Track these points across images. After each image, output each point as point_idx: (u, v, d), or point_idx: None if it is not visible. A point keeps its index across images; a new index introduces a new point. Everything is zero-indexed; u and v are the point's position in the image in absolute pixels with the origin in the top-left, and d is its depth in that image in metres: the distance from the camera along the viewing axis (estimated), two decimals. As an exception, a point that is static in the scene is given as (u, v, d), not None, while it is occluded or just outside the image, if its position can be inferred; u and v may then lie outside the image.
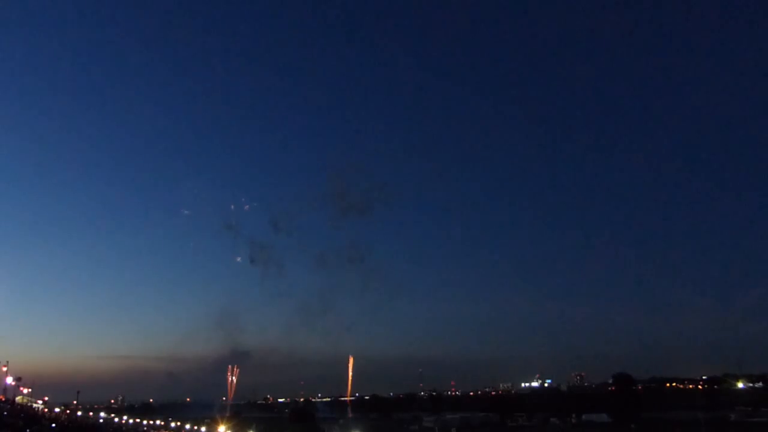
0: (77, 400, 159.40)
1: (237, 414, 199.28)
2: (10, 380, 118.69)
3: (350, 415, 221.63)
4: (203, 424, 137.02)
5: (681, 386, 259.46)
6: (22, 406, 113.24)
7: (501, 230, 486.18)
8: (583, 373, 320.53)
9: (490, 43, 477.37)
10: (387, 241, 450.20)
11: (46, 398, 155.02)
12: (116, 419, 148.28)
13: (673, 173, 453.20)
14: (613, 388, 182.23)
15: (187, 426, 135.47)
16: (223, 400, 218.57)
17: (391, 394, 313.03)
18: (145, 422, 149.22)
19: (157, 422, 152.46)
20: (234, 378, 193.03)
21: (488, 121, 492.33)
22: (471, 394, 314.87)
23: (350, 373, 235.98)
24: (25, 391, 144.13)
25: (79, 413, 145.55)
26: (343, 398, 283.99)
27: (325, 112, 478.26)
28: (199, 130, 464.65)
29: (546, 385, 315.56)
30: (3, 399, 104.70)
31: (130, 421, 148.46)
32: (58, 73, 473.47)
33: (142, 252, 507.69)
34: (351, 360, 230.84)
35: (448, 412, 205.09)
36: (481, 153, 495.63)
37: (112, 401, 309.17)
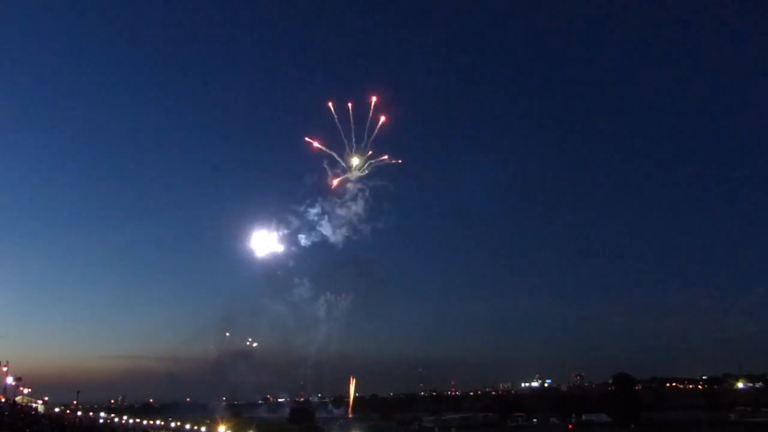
0: (77, 400, 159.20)
1: (237, 414, 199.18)
2: (10, 380, 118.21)
3: (350, 415, 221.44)
4: (203, 424, 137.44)
5: (681, 386, 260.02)
6: (22, 406, 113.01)
7: (501, 230, 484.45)
8: (583, 373, 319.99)
9: (499, 40, 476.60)
10: (387, 241, 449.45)
11: (46, 398, 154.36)
12: (116, 419, 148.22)
13: (673, 173, 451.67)
14: (613, 388, 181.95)
15: (187, 426, 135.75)
16: (222, 399, 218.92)
17: (391, 394, 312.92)
18: (145, 422, 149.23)
19: (157, 422, 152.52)
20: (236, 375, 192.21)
21: (491, 120, 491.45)
22: (471, 394, 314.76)
23: (351, 394, 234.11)
24: (26, 391, 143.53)
25: (79, 413, 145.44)
26: (344, 398, 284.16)
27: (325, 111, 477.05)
28: (201, 129, 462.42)
29: (546, 385, 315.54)
30: (3, 399, 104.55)
31: (130, 421, 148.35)
32: (57, 72, 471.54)
33: (142, 252, 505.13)
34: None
35: (448, 412, 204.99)
36: (479, 153, 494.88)
37: (112, 401, 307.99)
